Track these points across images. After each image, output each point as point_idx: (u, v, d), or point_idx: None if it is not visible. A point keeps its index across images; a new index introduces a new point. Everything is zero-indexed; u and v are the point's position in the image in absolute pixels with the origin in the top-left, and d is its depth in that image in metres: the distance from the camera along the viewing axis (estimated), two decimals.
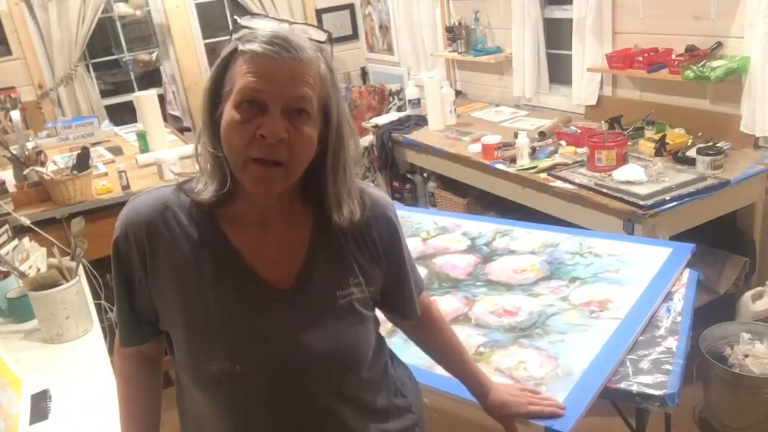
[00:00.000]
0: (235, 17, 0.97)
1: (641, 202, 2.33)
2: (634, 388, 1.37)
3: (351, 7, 5.22)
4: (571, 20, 3.35)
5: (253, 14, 0.98)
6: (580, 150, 2.89)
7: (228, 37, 0.95)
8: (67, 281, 1.72)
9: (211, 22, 4.85)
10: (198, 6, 4.76)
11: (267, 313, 0.99)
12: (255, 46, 0.89)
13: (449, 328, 1.30)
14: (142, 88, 4.67)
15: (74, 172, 2.63)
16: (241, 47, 0.90)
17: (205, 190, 0.96)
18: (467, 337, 1.61)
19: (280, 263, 1.01)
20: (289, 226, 1.02)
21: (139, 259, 0.98)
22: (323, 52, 0.95)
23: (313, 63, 0.91)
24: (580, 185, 2.60)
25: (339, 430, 1.06)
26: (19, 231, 2.22)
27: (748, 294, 2.56)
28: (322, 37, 0.96)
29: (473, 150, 3.25)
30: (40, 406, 1.46)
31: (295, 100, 0.89)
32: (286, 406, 1.01)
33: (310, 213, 1.03)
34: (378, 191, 1.10)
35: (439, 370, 1.44)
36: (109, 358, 1.61)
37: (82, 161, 2.68)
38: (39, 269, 1.79)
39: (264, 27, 0.92)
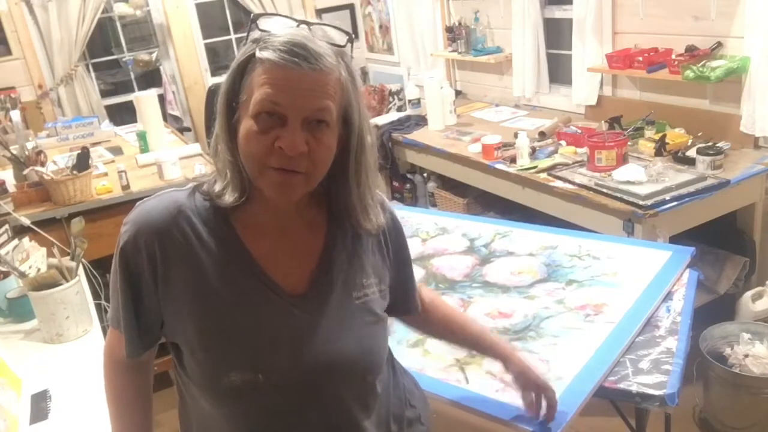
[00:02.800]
0: (252, 15, 0.93)
1: (641, 202, 2.33)
2: (634, 388, 1.37)
3: (351, 7, 5.21)
4: (571, 20, 3.35)
5: (269, 14, 0.94)
6: (580, 150, 2.89)
7: (229, 37, 0.94)
8: (67, 281, 1.72)
9: (211, 22, 4.84)
10: (198, 6, 4.75)
11: (287, 319, 0.96)
12: (273, 56, 0.85)
13: (444, 302, 1.30)
14: (142, 88, 4.67)
15: (74, 172, 2.63)
16: (258, 54, 0.87)
17: (226, 194, 0.94)
18: None
19: (295, 268, 0.99)
20: (305, 229, 1.01)
21: (149, 266, 0.94)
22: (344, 57, 0.91)
23: (333, 72, 0.88)
24: (580, 185, 2.60)
25: None
26: (19, 231, 2.22)
27: (748, 294, 2.56)
28: (343, 39, 0.92)
29: (473, 150, 3.25)
30: (40, 406, 1.46)
31: (315, 113, 0.87)
32: (304, 415, 0.98)
33: (323, 214, 1.02)
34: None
35: (431, 372, 1.45)
36: None
37: (82, 161, 2.68)
38: (39, 269, 1.79)
39: (281, 30, 0.88)
